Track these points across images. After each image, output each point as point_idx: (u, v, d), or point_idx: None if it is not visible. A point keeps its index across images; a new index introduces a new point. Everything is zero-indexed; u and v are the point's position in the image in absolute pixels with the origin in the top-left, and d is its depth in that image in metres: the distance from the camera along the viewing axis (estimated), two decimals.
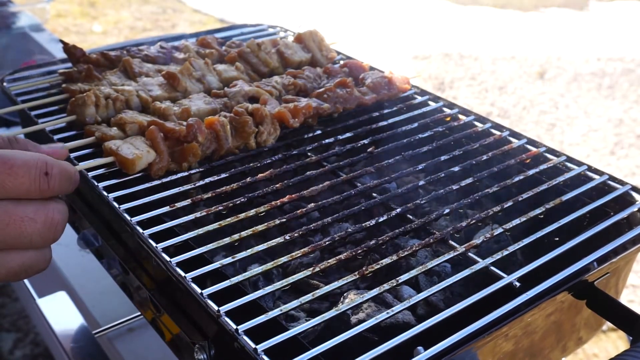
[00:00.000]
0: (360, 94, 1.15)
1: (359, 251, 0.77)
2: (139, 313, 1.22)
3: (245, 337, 0.63)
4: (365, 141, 1.05)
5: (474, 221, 0.85)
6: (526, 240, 0.81)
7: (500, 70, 5.06)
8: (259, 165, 0.97)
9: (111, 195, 0.86)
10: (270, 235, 0.82)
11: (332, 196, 0.89)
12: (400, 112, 1.17)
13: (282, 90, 1.15)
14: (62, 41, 1.28)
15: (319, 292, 0.70)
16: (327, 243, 0.79)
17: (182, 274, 0.72)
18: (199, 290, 0.69)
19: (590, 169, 0.99)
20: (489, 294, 0.71)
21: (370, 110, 1.16)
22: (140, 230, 0.79)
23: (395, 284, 0.72)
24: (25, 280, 1.49)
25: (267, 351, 0.62)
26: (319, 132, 1.08)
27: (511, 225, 0.84)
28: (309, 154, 1.01)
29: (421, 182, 0.94)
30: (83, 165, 0.91)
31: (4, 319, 2.36)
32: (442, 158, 1.00)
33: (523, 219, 0.85)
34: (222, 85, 1.18)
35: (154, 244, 0.77)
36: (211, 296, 0.69)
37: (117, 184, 0.89)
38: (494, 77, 4.94)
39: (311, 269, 0.74)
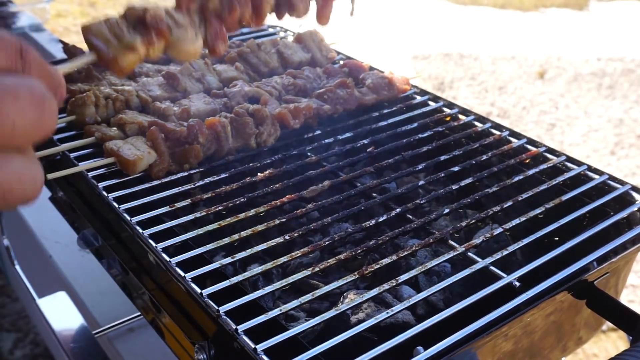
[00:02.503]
0: (360, 94, 1.15)
1: (359, 251, 0.77)
2: (139, 313, 1.21)
3: (245, 337, 0.63)
4: (365, 141, 1.05)
5: (473, 221, 0.85)
6: (526, 240, 0.81)
7: (500, 70, 5.06)
8: (258, 165, 0.97)
9: (111, 195, 0.86)
10: (270, 235, 0.82)
11: (332, 196, 0.89)
12: (400, 112, 1.17)
13: (282, 91, 1.15)
14: (62, 41, 1.28)
15: (318, 292, 0.70)
16: (326, 243, 0.79)
17: (182, 273, 0.72)
18: (198, 290, 0.69)
19: (590, 168, 0.99)
20: (488, 293, 0.71)
21: (370, 110, 1.16)
22: (140, 230, 0.79)
23: (395, 284, 0.72)
24: (25, 280, 1.49)
25: (266, 351, 0.62)
26: (318, 132, 1.08)
27: (511, 225, 0.84)
28: (308, 154, 1.01)
29: (421, 182, 0.94)
30: (83, 165, 0.91)
31: (4, 319, 2.36)
32: (442, 158, 1.00)
33: (523, 218, 0.85)
34: (222, 85, 1.18)
35: (153, 244, 0.77)
36: (211, 296, 0.69)
37: (117, 184, 0.90)
38: (494, 77, 4.94)
39: (311, 268, 0.74)
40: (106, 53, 0.71)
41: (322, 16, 0.94)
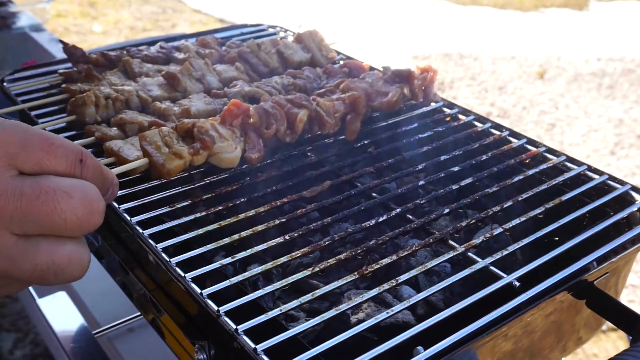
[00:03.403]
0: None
1: (359, 251, 0.77)
2: (139, 313, 1.22)
3: (245, 337, 0.63)
4: (365, 141, 1.05)
5: (473, 221, 0.85)
6: (526, 240, 0.81)
7: (500, 70, 5.06)
8: (259, 165, 0.97)
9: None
10: (270, 235, 0.82)
11: (332, 196, 0.89)
12: (400, 112, 1.17)
13: (282, 91, 1.15)
14: (62, 41, 1.28)
15: (318, 292, 0.70)
16: (326, 243, 0.79)
17: (182, 273, 0.72)
18: (198, 290, 0.69)
19: (590, 168, 0.99)
20: (488, 293, 0.71)
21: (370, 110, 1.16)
22: (140, 230, 0.80)
23: (395, 284, 0.72)
24: None
25: (266, 351, 0.62)
26: (318, 132, 1.08)
27: (511, 225, 0.84)
28: (309, 154, 1.01)
29: (421, 182, 0.94)
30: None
31: (4, 319, 2.36)
32: (442, 158, 1.00)
33: (523, 218, 0.85)
34: (222, 85, 1.18)
35: (153, 244, 0.77)
36: (211, 296, 0.69)
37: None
38: (494, 77, 4.94)
39: (311, 268, 0.74)
40: (156, 159, 0.83)
41: (351, 131, 1.01)
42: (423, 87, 1.13)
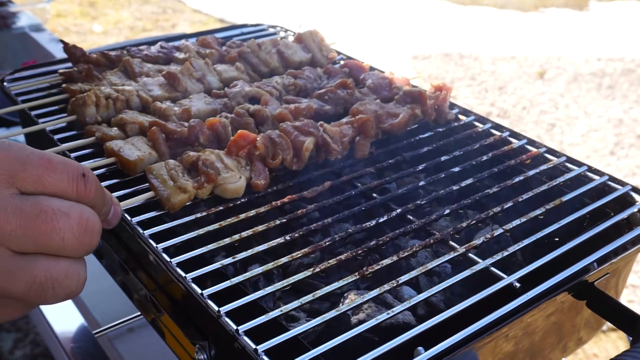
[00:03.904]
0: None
1: (360, 251, 0.77)
2: (139, 313, 1.22)
3: (245, 338, 0.63)
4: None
5: (474, 222, 0.85)
6: (526, 241, 0.81)
7: (500, 70, 5.06)
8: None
9: None
10: (271, 235, 0.82)
11: (333, 196, 0.89)
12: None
13: (283, 91, 1.15)
14: (62, 41, 1.28)
15: (319, 293, 0.70)
16: (327, 243, 0.79)
17: (183, 274, 0.72)
18: (199, 290, 0.69)
19: (590, 169, 0.99)
20: (489, 294, 0.71)
21: None
22: (141, 231, 0.79)
23: (395, 285, 0.72)
24: None
25: (267, 351, 0.62)
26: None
27: (511, 226, 0.84)
28: None
29: (421, 183, 0.94)
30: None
31: None
32: (443, 158, 1.00)
33: (523, 219, 0.85)
34: (222, 85, 1.18)
35: (154, 244, 0.77)
36: (211, 296, 0.69)
37: (117, 184, 0.90)
38: (494, 77, 4.94)
39: (311, 269, 0.74)
40: (161, 192, 0.84)
41: (360, 154, 1.00)
42: (436, 106, 1.10)
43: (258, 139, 0.92)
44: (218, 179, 0.86)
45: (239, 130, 0.93)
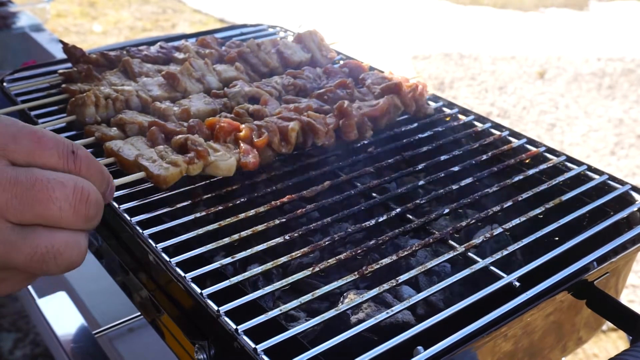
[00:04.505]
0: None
1: (359, 251, 0.77)
2: (139, 313, 1.22)
3: (245, 337, 0.63)
4: (365, 141, 1.05)
5: (473, 221, 0.85)
6: (526, 240, 0.81)
7: (500, 70, 5.06)
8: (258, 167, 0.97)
9: None
10: (270, 235, 0.82)
11: (332, 196, 0.89)
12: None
13: (282, 91, 1.15)
14: (62, 41, 1.28)
15: (318, 292, 0.70)
16: (326, 243, 0.79)
17: (182, 273, 0.72)
18: (198, 290, 0.69)
19: (590, 168, 0.99)
20: (488, 293, 0.71)
21: None
22: (140, 230, 0.79)
23: (395, 284, 0.72)
24: None
25: (266, 351, 0.62)
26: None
27: (511, 225, 0.84)
28: (309, 154, 1.01)
29: (421, 182, 0.94)
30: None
31: (4, 319, 2.36)
32: (442, 158, 1.00)
33: (523, 218, 0.85)
34: (222, 85, 1.18)
35: (153, 244, 0.77)
36: (211, 296, 0.69)
37: (117, 184, 0.89)
38: (494, 77, 4.94)
39: (311, 269, 0.74)
40: (152, 169, 0.85)
41: (349, 133, 1.02)
42: (414, 99, 1.13)
43: (242, 125, 0.94)
44: (209, 158, 0.87)
45: (223, 119, 0.94)
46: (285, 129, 0.96)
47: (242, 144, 0.92)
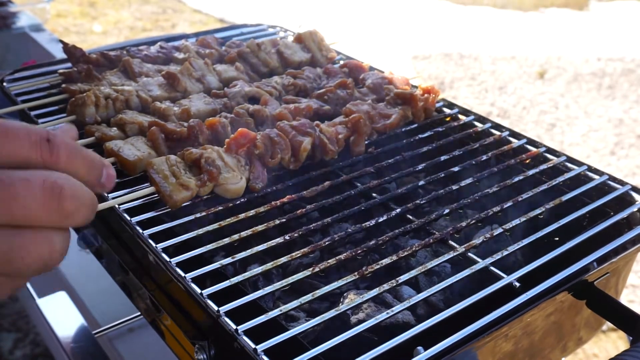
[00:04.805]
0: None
1: (359, 251, 0.77)
2: (139, 313, 1.21)
3: (245, 337, 0.63)
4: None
5: (473, 221, 0.85)
6: (526, 241, 0.81)
7: (500, 70, 5.06)
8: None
9: (111, 195, 0.86)
10: (270, 235, 0.82)
11: (332, 196, 0.89)
12: None
13: (282, 91, 1.15)
14: (62, 41, 1.28)
15: (318, 292, 0.70)
16: (326, 243, 0.79)
17: (182, 274, 0.72)
18: (198, 290, 0.69)
19: (590, 169, 0.99)
20: (488, 294, 0.71)
21: None
22: (140, 231, 0.79)
23: (395, 284, 0.72)
24: None
25: (267, 351, 0.62)
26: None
27: (511, 226, 0.84)
28: None
29: (421, 182, 0.94)
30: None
31: (4, 319, 2.36)
32: (442, 158, 1.00)
33: (523, 219, 0.85)
34: (222, 85, 1.18)
35: (153, 244, 0.77)
36: (211, 296, 0.69)
37: (117, 184, 0.89)
38: (494, 77, 4.94)
39: (311, 269, 0.74)
40: (164, 188, 0.83)
41: (355, 153, 1.02)
42: (425, 109, 1.12)
43: (258, 137, 0.92)
44: (220, 179, 0.86)
45: (240, 129, 0.93)
46: (298, 145, 0.95)
47: (255, 164, 0.91)
